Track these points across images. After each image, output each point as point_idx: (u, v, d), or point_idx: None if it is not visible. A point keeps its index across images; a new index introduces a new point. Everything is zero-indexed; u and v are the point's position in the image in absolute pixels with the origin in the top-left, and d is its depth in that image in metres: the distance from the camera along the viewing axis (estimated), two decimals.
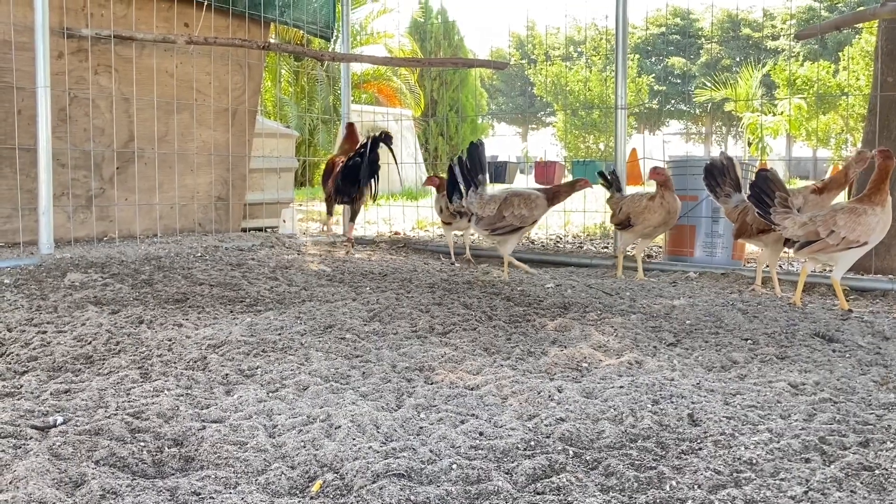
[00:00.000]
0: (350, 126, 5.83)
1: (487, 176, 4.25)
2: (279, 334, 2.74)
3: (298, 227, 7.12)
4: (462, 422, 1.86)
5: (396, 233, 7.22)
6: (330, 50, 9.94)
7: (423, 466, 1.56)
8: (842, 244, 3.38)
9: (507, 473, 1.56)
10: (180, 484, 1.48)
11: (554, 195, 4.29)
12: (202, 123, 6.05)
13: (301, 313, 3.12)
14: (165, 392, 2.07)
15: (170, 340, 2.62)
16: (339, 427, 1.78)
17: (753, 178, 3.71)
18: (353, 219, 5.90)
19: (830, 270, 3.88)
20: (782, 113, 23.36)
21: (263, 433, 1.76)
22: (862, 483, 1.52)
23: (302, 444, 1.68)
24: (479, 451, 1.67)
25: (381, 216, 8.80)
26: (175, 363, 2.37)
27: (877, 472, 1.57)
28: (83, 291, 3.54)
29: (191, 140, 5.99)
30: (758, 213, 3.64)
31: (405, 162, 11.69)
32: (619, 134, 5.23)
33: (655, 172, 4.31)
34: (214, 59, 6.00)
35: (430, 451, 1.64)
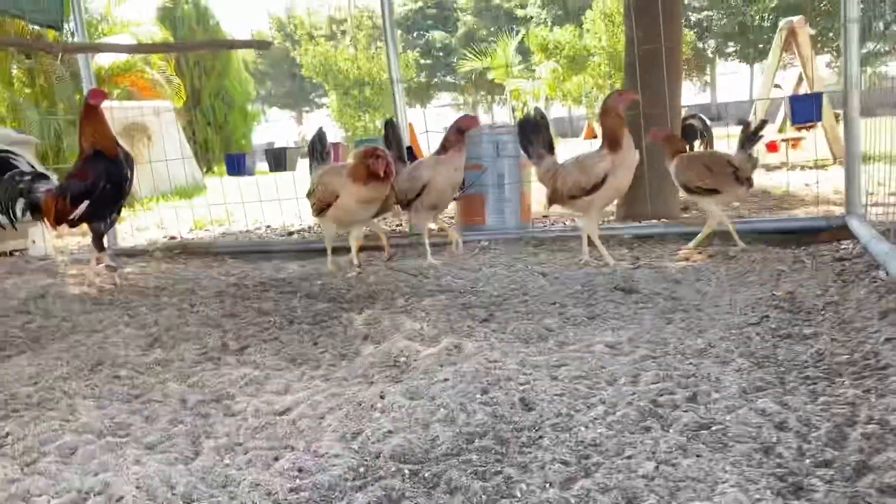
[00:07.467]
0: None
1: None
2: (34, 384, 2.25)
3: (53, 246, 6.21)
4: (276, 458, 1.58)
5: (172, 237, 6.57)
6: (65, 42, 8.80)
7: None
8: (573, 189, 3.59)
9: None
10: None
11: None
12: None
13: (62, 352, 2.61)
14: None
15: None
16: (122, 499, 1.42)
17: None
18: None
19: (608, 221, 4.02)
20: (540, 77, 24.81)
21: None
22: (704, 444, 1.48)
23: None
24: (302, 494, 1.41)
25: (152, 221, 7.99)
26: None
27: (713, 428, 1.55)
28: None
29: None
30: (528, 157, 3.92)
31: (172, 159, 10.71)
32: (398, 107, 5.07)
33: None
34: None
35: None
